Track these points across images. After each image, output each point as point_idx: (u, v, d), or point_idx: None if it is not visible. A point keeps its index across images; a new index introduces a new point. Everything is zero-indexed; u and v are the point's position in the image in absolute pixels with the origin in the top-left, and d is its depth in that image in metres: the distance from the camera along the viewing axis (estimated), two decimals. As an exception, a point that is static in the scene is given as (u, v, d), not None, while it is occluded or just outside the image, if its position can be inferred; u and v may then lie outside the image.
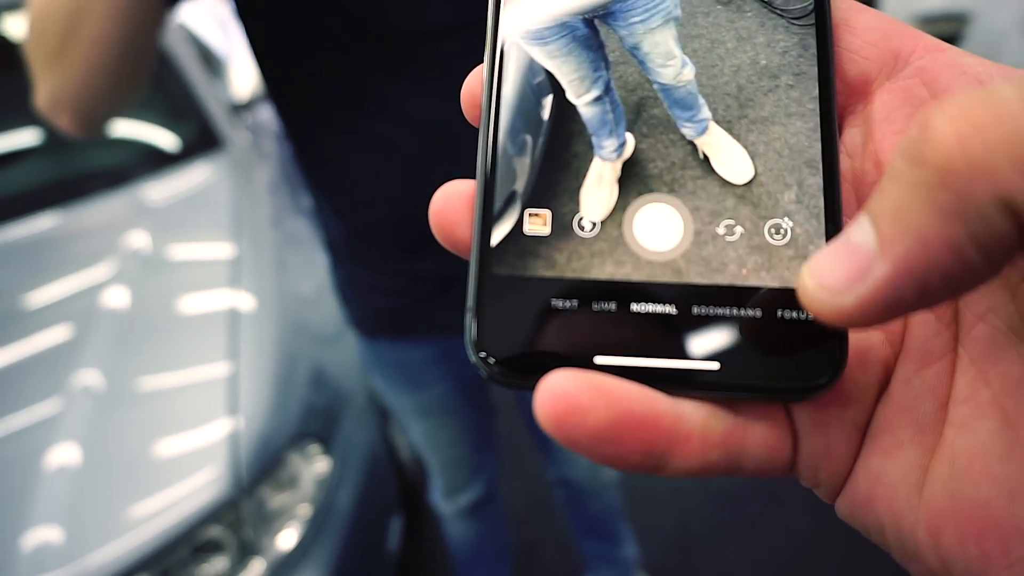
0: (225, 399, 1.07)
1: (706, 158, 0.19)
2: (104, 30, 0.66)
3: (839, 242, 0.15)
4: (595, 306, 0.17)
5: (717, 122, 0.19)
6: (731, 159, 0.18)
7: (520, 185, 0.18)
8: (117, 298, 1.26)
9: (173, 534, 0.96)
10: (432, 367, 1.01)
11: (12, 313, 1.31)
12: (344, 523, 1.13)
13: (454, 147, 0.74)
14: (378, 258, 0.90)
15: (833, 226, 0.18)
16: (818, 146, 0.18)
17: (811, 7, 0.19)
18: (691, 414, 0.16)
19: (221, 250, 1.42)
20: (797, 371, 0.17)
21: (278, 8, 0.71)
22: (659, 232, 0.18)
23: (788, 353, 0.17)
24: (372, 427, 1.36)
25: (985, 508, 0.15)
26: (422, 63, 0.72)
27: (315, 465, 1.13)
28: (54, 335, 1.23)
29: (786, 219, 0.18)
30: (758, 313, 0.17)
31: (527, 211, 0.18)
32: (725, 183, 0.18)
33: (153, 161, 1.75)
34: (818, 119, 0.18)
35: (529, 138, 0.19)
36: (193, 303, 1.29)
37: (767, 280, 0.17)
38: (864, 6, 0.19)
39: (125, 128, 1.84)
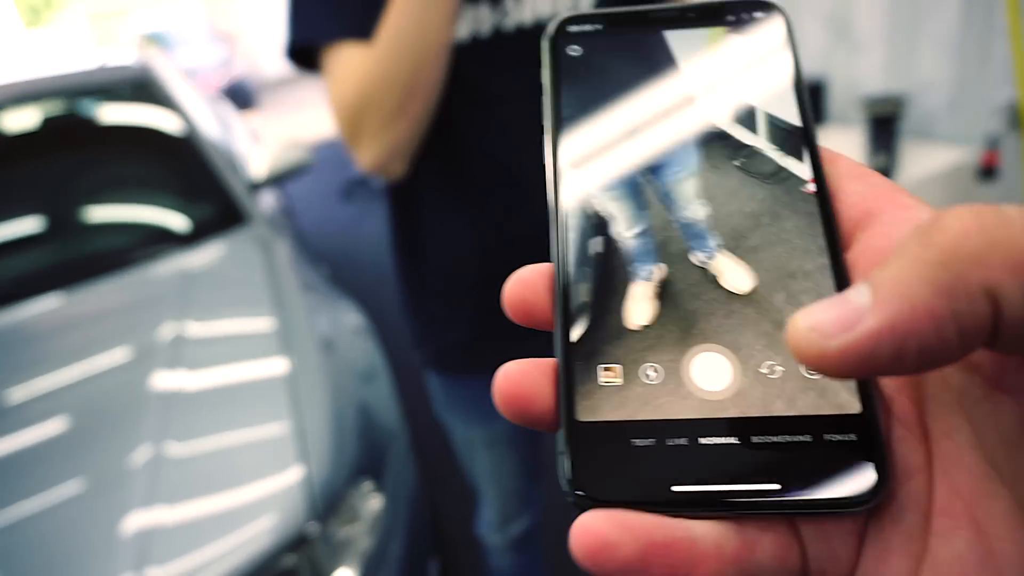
0: (295, 450, 1.22)
1: (714, 278, 0.22)
2: (435, 78, 0.80)
3: (836, 298, 0.16)
4: (668, 443, 0.19)
5: (722, 248, 0.23)
6: (733, 275, 0.22)
7: (593, 342, 0.21)
8: (177, 378, 1.38)
9: (256, 563, 1.09)
10: None
11: (64, 391, 1.41)
12: (396, 557, 1.27)
13: (534, 191, 0.78)
14: (459, 291, 1.01)
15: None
16: (819, 260, 0.21)
17: (778, 170, 0.24)
18: (704, 536, 0.17)
19: (263, 319, 1.56)
20: (848, 486, 0.18)
21: None
22: (713, 376, 0.20)
23: (839, 470, 0.18)
24: (414, 465, 1.51)
25: None
26: (512, 120, 0.85)
27: (371, 501, 1.27)
28: (115, 410, 1.33)
29: None
30: (808, 437, 0.19)
31: (600, 367, 0.21)
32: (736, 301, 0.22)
33: (182, 238, 1.90)
34: (822, 241, 0.22)
35: (588, 270, 0.23)
36: (247, 371, 1.43)
37: (810, 409, 0.19)
38: (858, 172, 0.23)
39: (151, 209, 2.00)
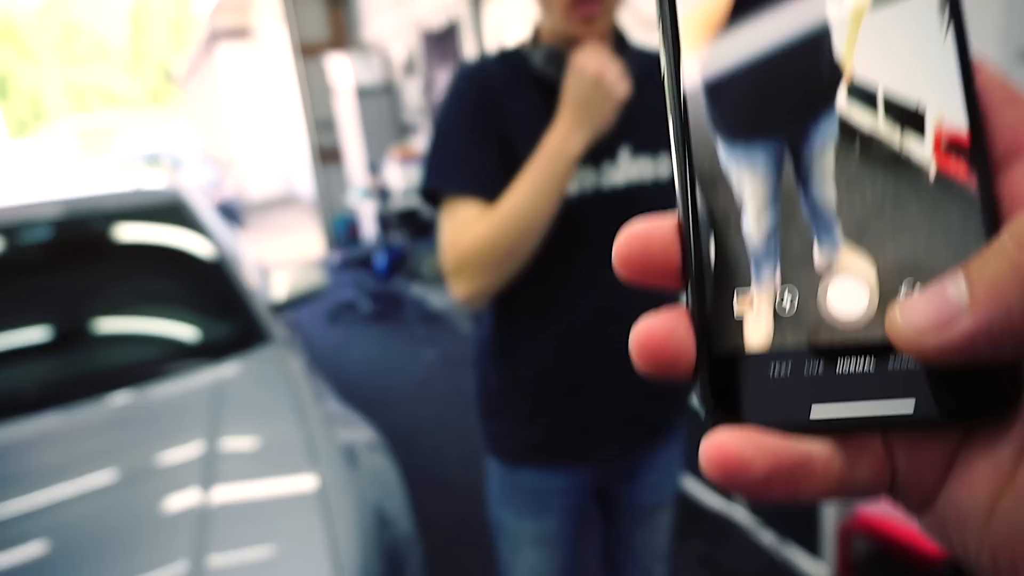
0: (329, 566, 1.27)
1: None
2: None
3: (934, 292, 0.17)
4: (805, 370, 0.19)
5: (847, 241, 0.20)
6: (844, 291, 0.20)
7: (725, 275, 0.20)
8: (210, 494, 1.45)
9: None
10: (558, 498, 1.25)
11: (96, 503, 1.45)
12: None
13: (623, 308, 0.90)
14: (543, 397, 1.17)
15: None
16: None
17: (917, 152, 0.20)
18: (818, 455, 0.18)
19: (290, 435, 1.64)
20: (980, 399, 0.18)
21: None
22: (848, 303, 0.20)
23: (969, 386, 0.18)
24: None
25: None
26: (604, 261, 0.95)
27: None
28: (152, 524, 1.37)
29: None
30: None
31: (736, 297, 0.20)
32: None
33: (213, 352, 2.00)
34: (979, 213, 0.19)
35: (731, 218, 0.20)
36: (277, 486, 1.50)
37: None
38: (1008, 97, 0.20)
39: (182, 327, 2.10)
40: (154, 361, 1.93)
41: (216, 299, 2.21)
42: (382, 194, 5.78)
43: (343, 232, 7.37)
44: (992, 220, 0.19)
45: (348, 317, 5.62)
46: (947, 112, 0.20)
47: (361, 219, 6.60)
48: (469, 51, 4.81)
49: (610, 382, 1.18)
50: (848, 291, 0.20)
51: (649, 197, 1.10)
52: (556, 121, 0.99)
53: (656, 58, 0.90)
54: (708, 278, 0.20)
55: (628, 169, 1.09)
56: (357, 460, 1.67)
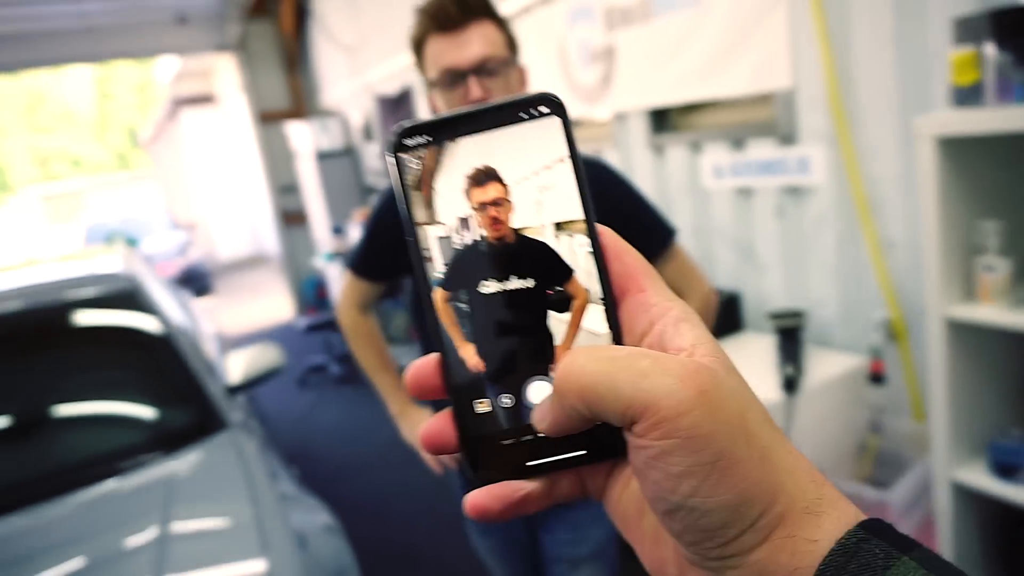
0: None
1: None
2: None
3: (543, 401, 0.30)
4: (519, 440, 0.32)
5: None
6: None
7: (467, 392, 0.32)
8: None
9: None
10: (494, 524, 1.56)
11: None
12: None
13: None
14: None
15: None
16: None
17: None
18: (531, 487, 0.32)
19: (241, 522, 1.67)
20: (610, 447, 0.31)
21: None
22: (537, 396, 0.32)
23: (613, 439, 0.30)
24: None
25: (633, 519, 0.31)
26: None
27: None
28: None
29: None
30: (595, 425, 0.30)
31: (475, 403, 0.32)
32: None
33: (169, 442, 2.02)
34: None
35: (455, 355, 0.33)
36: (227, 572, 1.52)
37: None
38: (615, 252, 0.32)
39: (135, 418, 2.12)
40: (109, 456, 1.95)
41: (171, 388, 2.24)
42: (346, 256, 5.84)
43: (312, 294, 7.39)
44: (617, 341, 0.31)
45: (317, 380, 5.62)
46: (586, 275, 0.32)
47: (329, 281, 6.65)
48: (422, 112, 4.96)
49: None
50: (535, 394, 0.32)
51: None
52: (405, 410, 1.58)
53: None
54: (459, 394, 0.32)
55: None
56: (308, 544, 1.69)
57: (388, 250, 1.49)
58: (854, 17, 1.96)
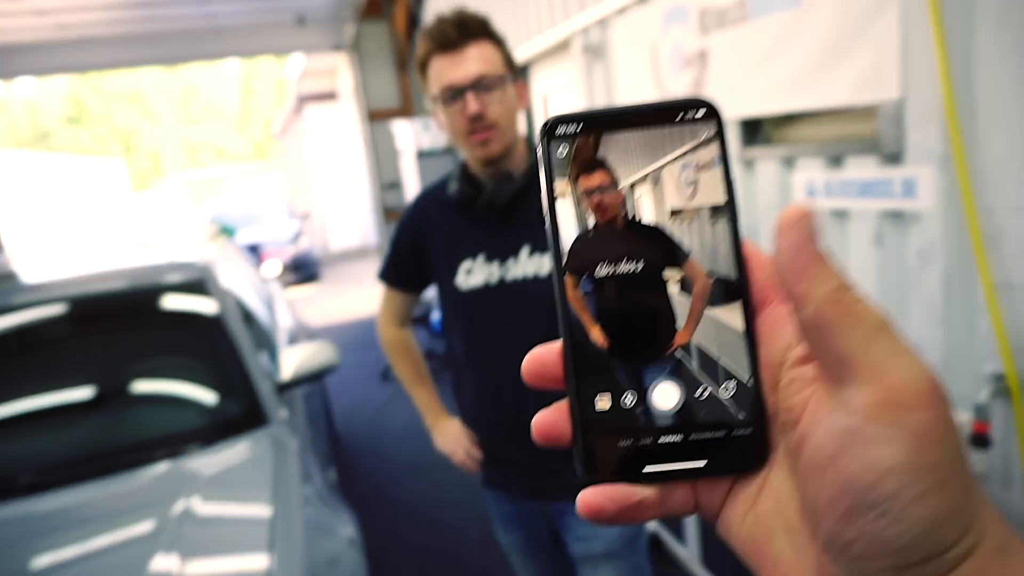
0: None
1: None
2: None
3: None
4: (639, 443, 0.30)
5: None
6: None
7: (590, 384, 0.31)
8: (168, 560, 1.47)
9: None
10: (517, 518, 1.59)
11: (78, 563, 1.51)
12: None
13: (513, 381, 1.30)
14: (479, 436, 1.56)
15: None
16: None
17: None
18: (646, 495, 0.30)
19: (261, 512, 1.68)
20: (743, 461, 0.30)
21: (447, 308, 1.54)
22: (666, 399, 0.31)
23: (740, 451, 0.29)
24: None
25: (761, 541, 0.28)
26: (510, 338, 1.43)
27: None
28: None
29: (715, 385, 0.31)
30: (720, 434, 0.30)
31: (596, 397, 0.31)
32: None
33: (211, 433, 2.04)
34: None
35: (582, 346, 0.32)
36: (239, 562, 1.51)
37: (723, 419, 0.30)
38: (757, 264, 0.31)
39: (185, 408, 2.16)
40: (148, 444, 1.99)
41: (221, 379, 2.26)
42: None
43: (405, 289, 7.51)
44: (752, 346, 0.30)
45: (399, 376, 5.68)
46: (727, 279, 0.31)
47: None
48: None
49: (519, 436, 1.46)
50: (663, 396, 0.30)
51: (540, 287, 1.40)
52: (438, 421, 1.64)
53: None
54: (579, 386, 0.31)
55: (527, 265, 1.40)
56: (322, 552, 1.65)
57: (412, 258, 1.56)
58: (977, 21, 1.68)
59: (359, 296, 9.67)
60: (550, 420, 0.31)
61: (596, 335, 0.31)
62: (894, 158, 1.98)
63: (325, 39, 7.56)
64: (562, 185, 0.32)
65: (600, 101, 3.48)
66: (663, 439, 0.30)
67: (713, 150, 0.32)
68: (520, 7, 4.58)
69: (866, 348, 0.24)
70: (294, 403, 2.42)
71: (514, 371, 1.43)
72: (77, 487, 1.82)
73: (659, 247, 0.31)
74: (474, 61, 1.32)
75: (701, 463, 0.30)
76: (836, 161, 2.21)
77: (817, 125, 2.37)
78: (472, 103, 1.31)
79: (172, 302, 2.52)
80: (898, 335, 0.26)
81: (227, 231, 4.17)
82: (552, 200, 0.32)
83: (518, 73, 1.40)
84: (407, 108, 7.88)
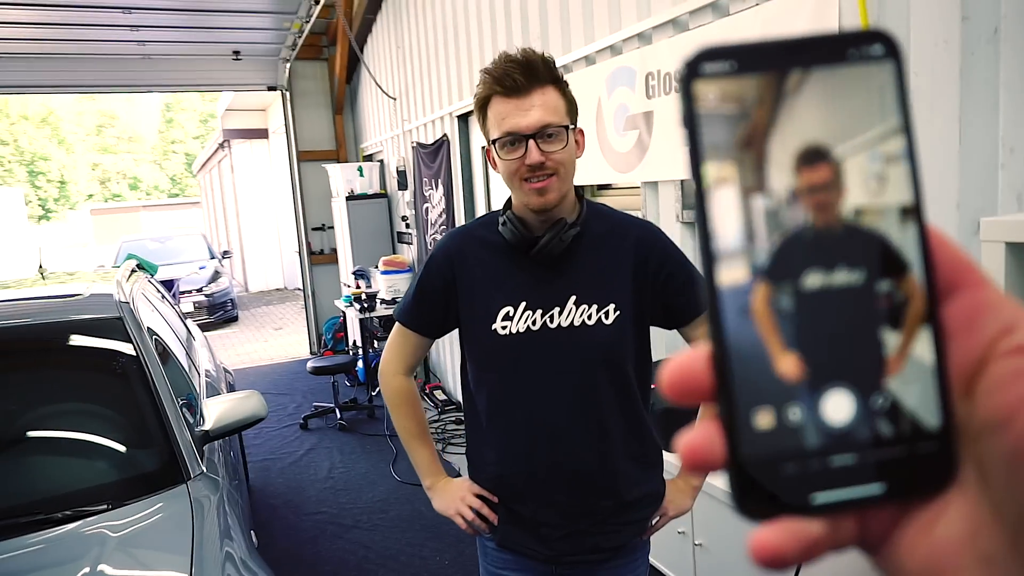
0: None
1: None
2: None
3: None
4: (806, 468, 0.25)
5: None
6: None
7: (746, 397, 0.25)
8: None
9: None
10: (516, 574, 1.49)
11: None
12: None
13: (558, 428, 1.36)
14: (498, 492, 1.46)
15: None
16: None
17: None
18: (820, 531, 0.25)
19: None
20: (926, 484, 0.25)
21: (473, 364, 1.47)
22: (838, 412, 0.25)
23: (925, 471, 0.25)
24: None
25: (942, 570, 0.24)
26: (545, 391, 1.37)
27: None
28: None
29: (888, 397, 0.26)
30: (903, 452, 0.25)
31: (754, 413, 0.25)
32: None
33: (123, 490, 1.85)
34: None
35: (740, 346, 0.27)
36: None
37: (904, 434, 0.25)
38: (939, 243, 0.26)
39: (99, 459, 1.96)
40: (52, 503, 1.78)
41: (136, 430, 2.08)
42: (366, 302, 5.73)
43: (330, 335, 7.29)
44: (939, 344, 0.25)
45: (318, 424, 5.44)
46: (914, 266, 0.25)
47: (349, 324, 6.55)
48: (455, 163, 4.90)
49: (548, 493, 1.39)
50: (835, 407, 0.25)
51: (588, 335, 1.35)
52: (438, 482, 1.51)
53: (614, 221, 1.43)
54: (735, 400, 0.25)
55: (573, 314, 1.36)
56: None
57: (440, 300, 1.47)
58: (917, 102, 1.78)
59: (278, 340, 9.31)
60: (700, 442, 0.26)
61: (788, 366, 0.25)
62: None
63: (260, 75, 7.40)
64: (719, 146, 0.25)
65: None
66: (836, 461, 0.25)
67: (894, 101, 0.25)
68: (465, 64, 4.63)
69: None
70: (213, 455, 2.24)
71: (552, 420, 1.43)
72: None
73: (881, 259, 0.26)
74: (539, 109, 1.27)
75: (880, 487, 0.25)
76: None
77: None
78: (535, 153, 1.27)
79: (86, 341, 2.31)
80: None
81: (147, 267, 3.93)
82: (699, 167, 0.25)
83: (577, 118, 1.36)
84: (341, 151, 7.78)
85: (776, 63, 0.25)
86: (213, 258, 11.42)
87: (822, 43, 0.25)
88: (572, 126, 1.33)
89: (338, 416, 5.43)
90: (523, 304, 1.36)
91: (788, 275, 0.26)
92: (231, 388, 3.60)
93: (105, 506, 1.79)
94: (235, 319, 10.89)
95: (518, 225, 1.35)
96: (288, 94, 7.52)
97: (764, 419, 0.25)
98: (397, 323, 1.53)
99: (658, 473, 1.49)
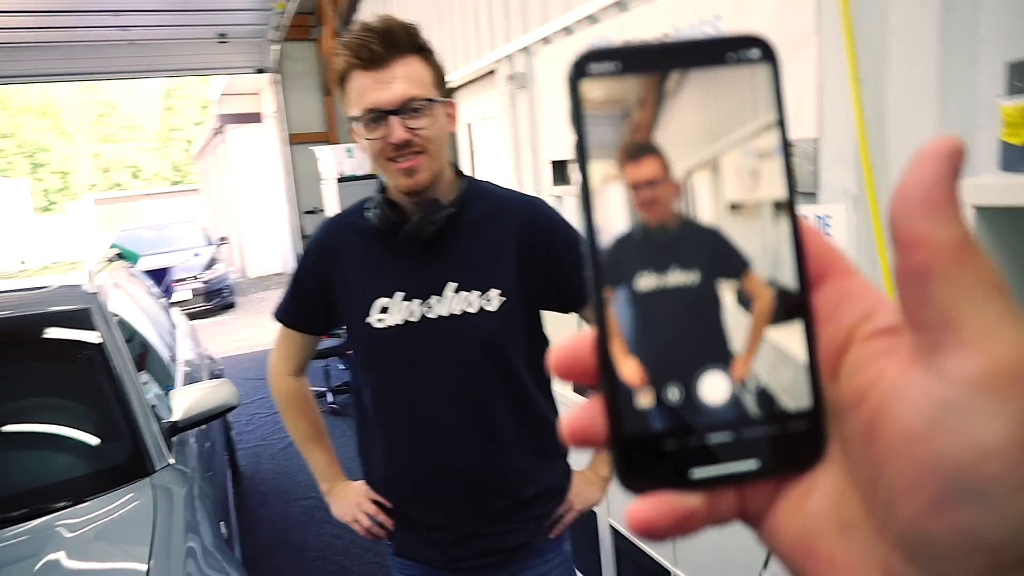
0: None
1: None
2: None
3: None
4: (685, 445, 0.26)
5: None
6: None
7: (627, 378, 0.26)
8: None
9: None
10: None
11: None
12: None
13: (443, 424, 1.29)
14: (389, 497, 1.39)
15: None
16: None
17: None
18: (696, 504, 0.25)
19: (136, 567, 1.51)
20: (799, 459, 0.26)
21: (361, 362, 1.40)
22: (713, 392, 0.26)
23: (798, 448, 0.26)
24: None
25: (812, 543, 0.25)
26: (430, 368, 1.29)
27: None
28: None
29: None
30: (776, 430, 0.26)
31: (635, 393, 0.26)
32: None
33: (85, 485, 1.82)
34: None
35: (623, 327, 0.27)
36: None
37: (776, 412, 0.26)
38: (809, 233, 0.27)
39: (64, 452, 1.92)
40: (8, 501, 1.74)
41: (102, 422, 2.04)
42: (358, 284, 5.68)
43: (326, 318, 7.25)
44: (809, 331, 0.26)
45: (315, 411, 5.42)
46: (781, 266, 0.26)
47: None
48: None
49: (435, 495, 1.32)
50: (711, 387, 0.26)
51: (469, 325, 1.26)
52: (335, 487, 1.47)
53: (496, 201, 1.33)
54: (616, 380, 0.26)
55: (453, 303, 1.26)
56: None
57: (317, 294, 1.38)
58: (893, 60, 1.70)
59: (275, 325, 9.29)
60: (584, 419, 0.27)
61: (629, 371, 0.26)
62: (809, 196, 1.98)
63: (248, 59, 7.31)
64: (604, 153, 0.25)
65: (524, 131, 3.44)
66: (713, 439, 0.26)
67: (769, 103, 0.26)
68: (448, 34, 4.53)
69: (976, 308, 0.21)
70: (186, 447, 2.21)
71: (435, 418, 1.32)
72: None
73: (716, 255, 0.26)
74: (401, 81, 1.17)
75: (755, 463, 0.26)
76: (755, 198, 2.21)
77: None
78: (398, 130, 1.16)
79: (49, 333, 2.27)
80: (1013, 302, 0.22)
81: (128, 256, 3.89)
82: (585, 166, 0.26)
83: (448, 91, 1.26)
84: (331, 133, 7.70)
85: (657, 64, 0.26)
86: (210, 244, 11.38)
87: (703, 46, 0.26)
88: (440, 99, 1.23)
89: (329, 400, 5.41)
90: (400, 295, 1.26)
91: (623, 276, 0.26)
92: (215, 377, 3.57)
93: (68, 502, 1.76)
94: (232, 306, 10.88)
95: (386, 209, 1.25)
96: (279, 76, 7.42)
97: (645, 398, 0.26)
98: (277, 322, 1.46)
99: (560, 465, 1.40)
